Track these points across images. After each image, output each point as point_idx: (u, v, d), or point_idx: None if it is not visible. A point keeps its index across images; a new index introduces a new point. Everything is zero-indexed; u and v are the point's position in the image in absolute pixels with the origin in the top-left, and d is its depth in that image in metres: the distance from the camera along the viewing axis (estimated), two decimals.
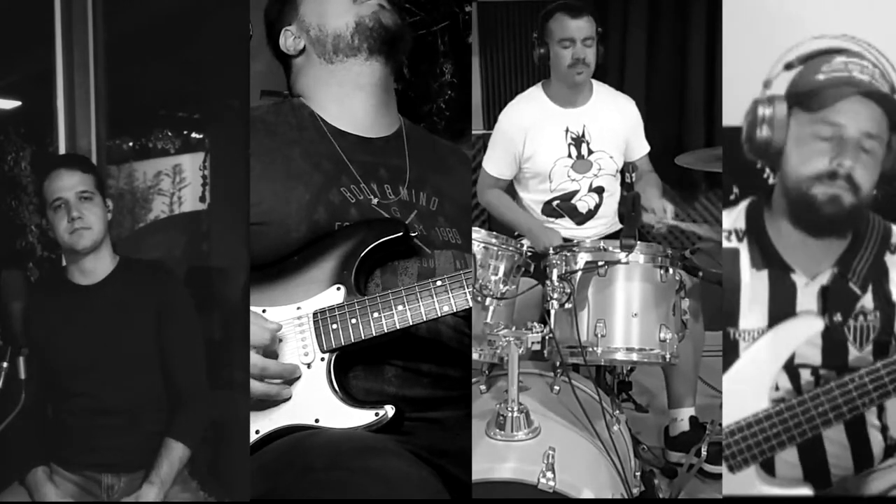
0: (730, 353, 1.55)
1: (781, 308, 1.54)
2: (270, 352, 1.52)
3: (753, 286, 1.56)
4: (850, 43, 1.47)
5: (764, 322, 1.54)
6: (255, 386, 1.50)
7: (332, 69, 1.77)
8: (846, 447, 1.56)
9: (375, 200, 1.68)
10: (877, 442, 1.55)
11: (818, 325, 1.46)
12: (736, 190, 2.06)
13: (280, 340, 1.54)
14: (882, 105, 1.42)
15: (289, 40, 1.82)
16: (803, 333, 1.48)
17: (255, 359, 1.50)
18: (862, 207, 1.46)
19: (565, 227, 2.67)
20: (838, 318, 1.46)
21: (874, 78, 1.44)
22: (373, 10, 1.76)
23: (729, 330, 1.57)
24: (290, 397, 1.52)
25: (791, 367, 1.52)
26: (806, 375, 1.53)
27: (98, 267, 2.02)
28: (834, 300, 1.45)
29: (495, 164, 2.67)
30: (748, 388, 1.47)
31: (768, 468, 1.53)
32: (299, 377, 1.53)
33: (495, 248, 1.96)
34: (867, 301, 1.49)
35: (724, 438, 1.47)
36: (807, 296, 1.52)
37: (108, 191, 2.10)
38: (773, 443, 1.43)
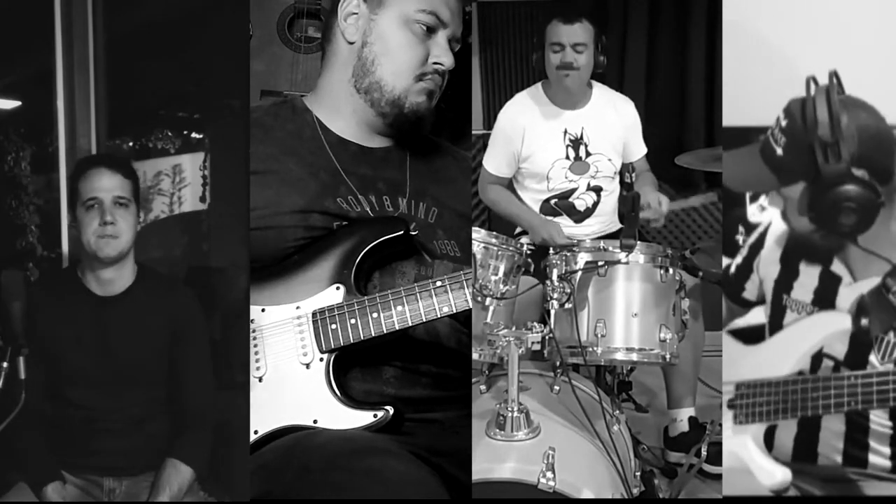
0: (777, 315, 1.62)
1: (825, 297, 1.56)
2: None
3: (807, 271, 1.59)
4: None
5: (809, 298, 1.58)
6: None
7: (354, 93, 1.71)
8: (840, 439, 1.57)
9: (374, 215, 1.66)
10: (878, 455, 1.55)
11: (846, 323, 1.47)
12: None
13: None
14: None
15: (350, 20, 1.70)
16: (830, 327, 1.49)
17: None
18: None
19: (564, 226, 2.67)
20: (865, 322, 1.46)
21: None
22: (419, 99, 1.69)
23: (783, 295, 1.61)
24: None
25: (817, 354, 1.53)
26: (828, 365, 1.54)
27: (118, 278, 1.96)
28: (871, 307, 1.45)
29: (495, 161, 2.68)
30: (775, 364, 1.48)
31: (768, 441, 1.55)
32: None
33: (495, 248, 1.96)
34: None
35: (737, 390, 1.49)
36: (846, 293, 1.53)
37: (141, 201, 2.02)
38: (780, 407, 1.44)
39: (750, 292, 1.75)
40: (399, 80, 1.68)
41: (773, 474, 1.46)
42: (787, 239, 1.65)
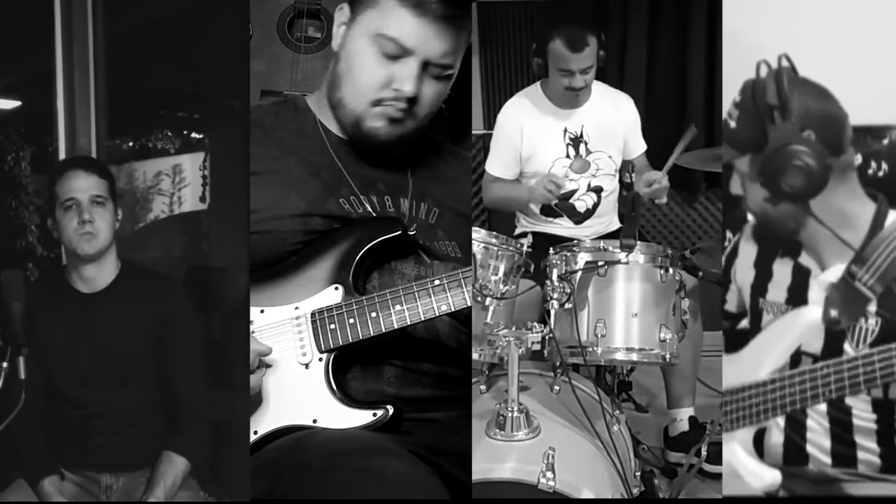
0: (755, 320, 1.63)
1: (797, 293, 1.57)
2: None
3: (780, 270, 1.60)
4: None
5: (783, 297, 1.58)
6: None
7: (328, 105, 1.70)
8: (827, 438, 1.57)
9: (375, 215, 1.66)
10: (866, 452, 1.55)
11: (816, 314, 1.47)
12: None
13: (269, 365, 1.53)
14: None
15: (341, 30, 1.63)
16: (804, 322, 1.50)
17: None
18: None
19: (564, 227, 2.67)
20: (834, 313, 1.46)
21: None
22: (377, 123, 1.62)
23: (758, 300, 1.62)
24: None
25: (795, 353, 1.54)
26: (807, 363, 1.55)
27: (100, 275, 1.99)
28: (839, 298, 1.46)
29: (497, 163, 2.68)
30: (755, 368, 1.49)
31: (758, 446, 1.56)
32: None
33: (495, 248, 1.96)
34: (873, 304, 1.49)
35: (722, 397, 1.49)
36: (817, 285, 1.54)
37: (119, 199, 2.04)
38: (761, 408, 1.45)
39: (731, 303, 1.76)
40: (356, 102, 1.62)
41: (762, 476, 1.46)
42: (752, 232, 1.66)
